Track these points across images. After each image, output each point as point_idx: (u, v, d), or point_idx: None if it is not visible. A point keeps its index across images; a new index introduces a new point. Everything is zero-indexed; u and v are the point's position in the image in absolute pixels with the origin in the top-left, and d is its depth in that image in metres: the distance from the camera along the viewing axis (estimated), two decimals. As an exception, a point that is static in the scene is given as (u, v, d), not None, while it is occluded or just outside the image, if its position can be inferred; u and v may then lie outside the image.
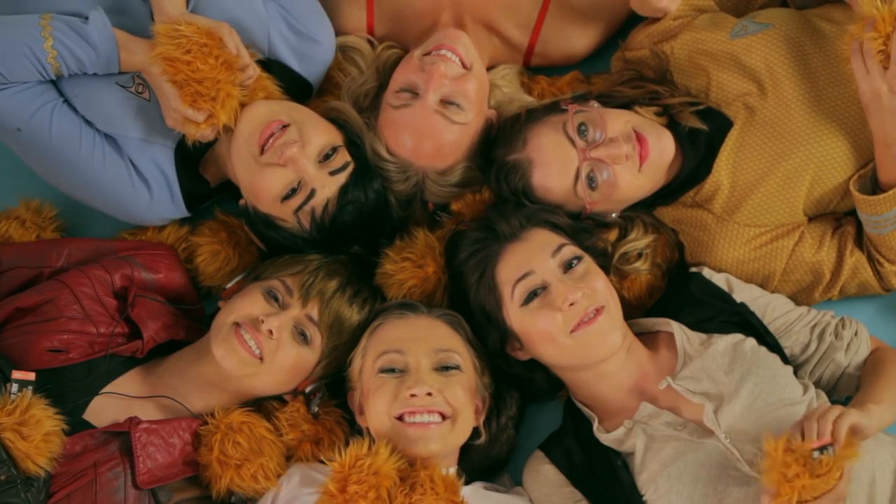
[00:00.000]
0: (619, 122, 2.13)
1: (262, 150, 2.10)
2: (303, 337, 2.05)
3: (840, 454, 1.77)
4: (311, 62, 2.32)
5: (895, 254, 2.16)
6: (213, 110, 2.06)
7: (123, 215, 2.26)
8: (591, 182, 2.13)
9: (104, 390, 2.06)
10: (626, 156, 2.10)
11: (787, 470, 1.77)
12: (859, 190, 2.13)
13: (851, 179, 2.14)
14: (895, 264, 2.18)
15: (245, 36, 2.15)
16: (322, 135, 2.13)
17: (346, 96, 2.30)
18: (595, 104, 2.20)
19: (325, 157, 2.12)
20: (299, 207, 2.11)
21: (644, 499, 1.96)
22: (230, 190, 2.31)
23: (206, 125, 2.08)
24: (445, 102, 2.15)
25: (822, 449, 1.77)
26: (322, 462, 2.03)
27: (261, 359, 2.02)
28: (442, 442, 1.99)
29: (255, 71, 2.13)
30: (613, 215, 2.23)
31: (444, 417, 1.99)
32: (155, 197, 2.21)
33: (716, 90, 2.22)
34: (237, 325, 2.02)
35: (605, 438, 2.02)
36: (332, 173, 2.11)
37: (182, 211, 2.27)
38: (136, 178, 2.19)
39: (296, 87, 2.31)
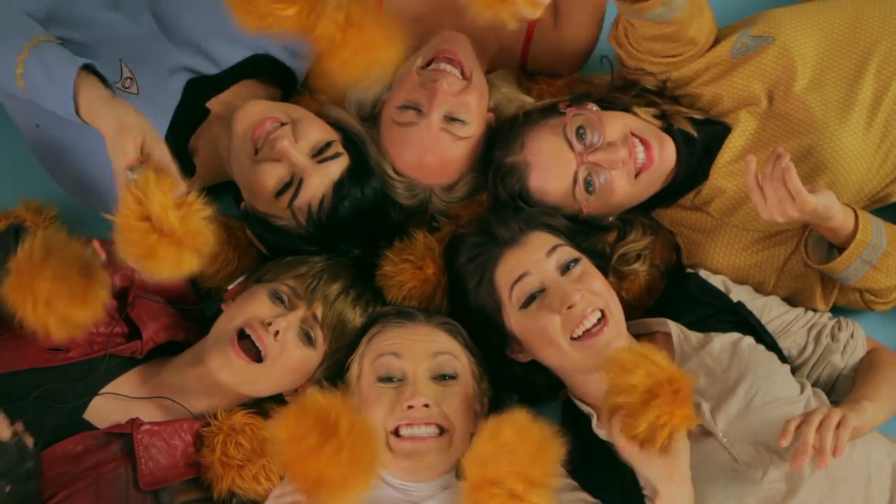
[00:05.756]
0: (617, 125, 2.13)
1: (257, 150, 2.10)
2: (307, 338, 2.05)
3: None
4: (302, 58, 2.31)
5: (872, 292, 2.16)
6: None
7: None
8: (589, 186, 2.13)
9: (103, 391, 2.06)
10: (623, 161, 2.10)
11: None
12: (811, 259, 2.12)
13: (802, 251, 2.14)
14: (875, 296, 2.18)
15: (236, 32, 2.13)
16: (316, 131, 2.13)
17: (352, 105, 2.30)
18: (594, 107, 2.19)
19: (319, 152, 2.12)
20: (291, 200, 2.10)
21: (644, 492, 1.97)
22: (223, 191, 2.31)
23: None
24: (449, 119, 2.15)
25: None
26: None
27: (261, 361, 2.02)
28: (438, 456, 1.99)
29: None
30: (610, 219, 2.23)
31: (441, 430, 2.00)
32: None
33: (717, 105, 2.21)
34: (239, 331, 2.02)
35: (605, 435, 2.02)
36: (322, 161, 2.11)
37: None
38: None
39: (283, 79, 2.31)
